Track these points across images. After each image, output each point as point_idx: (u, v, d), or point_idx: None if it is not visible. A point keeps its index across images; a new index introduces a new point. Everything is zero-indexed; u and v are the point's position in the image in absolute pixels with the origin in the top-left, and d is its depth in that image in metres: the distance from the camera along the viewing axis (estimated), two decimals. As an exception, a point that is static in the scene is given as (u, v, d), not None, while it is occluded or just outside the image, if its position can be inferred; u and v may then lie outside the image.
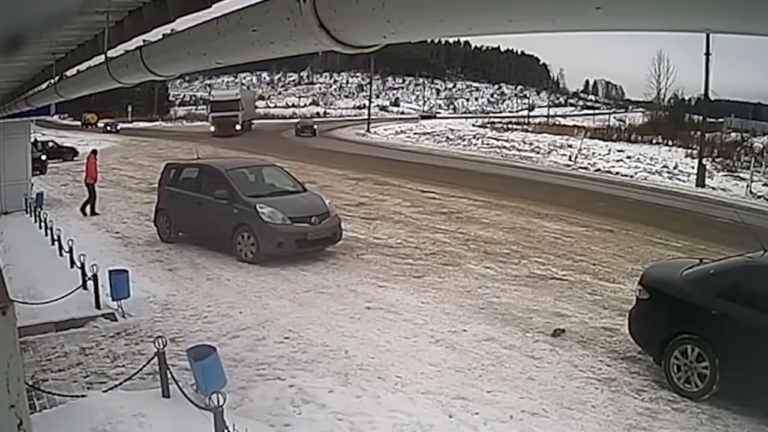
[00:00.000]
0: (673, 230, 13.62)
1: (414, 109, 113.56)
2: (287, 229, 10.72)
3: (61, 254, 10.46)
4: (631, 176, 26.86)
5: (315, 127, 50.52)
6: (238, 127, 46.53)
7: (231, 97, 50.41)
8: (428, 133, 45.85)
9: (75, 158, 29.95)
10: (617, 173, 27.51)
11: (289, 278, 9.82)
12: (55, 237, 11.31)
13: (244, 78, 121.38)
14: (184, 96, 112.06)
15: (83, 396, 5.43)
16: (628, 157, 30.89)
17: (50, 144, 31.60)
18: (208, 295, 9.10)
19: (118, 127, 55.19)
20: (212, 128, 46.41)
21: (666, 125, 40.43)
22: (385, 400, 5.71)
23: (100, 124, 59.20)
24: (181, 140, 37.73)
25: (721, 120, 42.78)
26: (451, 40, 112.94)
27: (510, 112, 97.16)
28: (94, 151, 17.53)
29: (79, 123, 63.74)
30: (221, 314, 8.22)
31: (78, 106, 48.20)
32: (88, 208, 15.77)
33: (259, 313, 8.21)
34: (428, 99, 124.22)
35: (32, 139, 32.76)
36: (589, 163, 29.97)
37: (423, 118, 72.53)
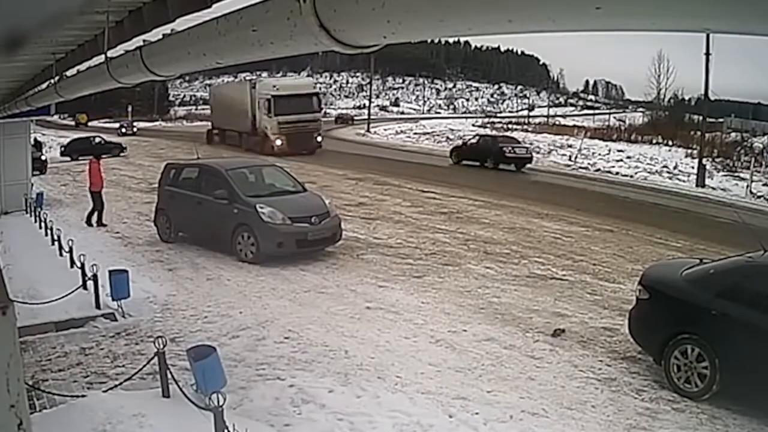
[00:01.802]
0: (673, 230, 13.62)
1: (414, 109, 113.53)
2: (287, 229, 10.72)
3: (61, 254, 10.46)
4: (631, 176, 26.86)
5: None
6: (319, 138, 30.56)
7: (304, 88, 31.93)
8: (428, 133, 45.82)
9: (122, 154, 31.79)
10: (617, 173, 27.52)
11: (289, 278, 9.82)
12: (55, 237, 11.31)
13: (244, 78, 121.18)
14: (184, 96, 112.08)
15: (83, 396, 5.43)
16: (628, 157, 30.89)
17: (98, 140, 33.34)
18: (208, 295, 9.10)
19: (135, 129, 49.56)
20: (277, 142, 28.56)
21: (666, 125, 40.42)
22: (385, 400, 5.71)
23: (114, 125, 56.22)
24: (181, 140, 37.71)
25: (721, 120, 42.76)
26: (451, 40, 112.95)
27: (510, 112, 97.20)
28: (98, 156, 15.56)
29: (85, 124, 63.64)
30: (221, 314, 8.22)
31: (78, 106, 48.24)
32: (94, 218, 14.36)
33: (259, 313, 8.21)
34: (428, 99, 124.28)
35: (91, 137, 34.22)
36: (589, 163, 29.96)
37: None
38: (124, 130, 48.17)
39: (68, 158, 30.83)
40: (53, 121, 47.93)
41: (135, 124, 53.34)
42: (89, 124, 62.73)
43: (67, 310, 7.87)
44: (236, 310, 8.34)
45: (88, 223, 14.33)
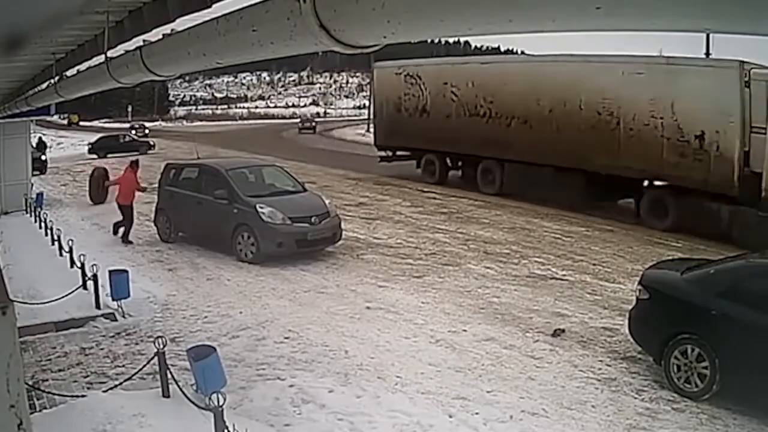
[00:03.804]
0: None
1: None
2: (287, 229, 10.72)
3: (61, 254, 10.46)
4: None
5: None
6: None
7: None
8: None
9: (149, 152, 32.37)
10: (617, 173, 27.43)
11: (289, 278, 9.82)
12: (55, 237, 11.31)
13: (244, 78, 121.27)
14: (184, 96, 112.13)
15: (83, 396, 5.44)
16: (629, 157, 30.77)
17: (126, 138, 35.00)
18: (208, 295, 9.10)
19: (147, 131, 45.75)
20: None
21: (666, 125, 40.24)
22: (385, 400, 5.71)
23: (114, 125, 55.92)
24: (181, 140, 37.71)
25: (721, 120, 42.63)
26: (451, 40, 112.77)
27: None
28: (135, 162, 13.17)
29: (77, 123, 63.85)
30: (221, 314, 8.22)
31: (78, 106, 48.30)
32: (121, 229, 12.65)
33: (259, 313, 8.21)
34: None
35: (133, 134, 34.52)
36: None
37: None
38: (134, 132, 44.06)
39: (95, 156, 31.45)
40: (53, 121, 47.95)
41: (145, 124, 51.51)
42: (81, 123, 62.92)
43: (67, 310, 7.89)
44: (236, 310, 8.35)
45: (115, 231, 12.80)
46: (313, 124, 54.76)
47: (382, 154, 20.89)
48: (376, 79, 21.85)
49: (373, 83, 22.13)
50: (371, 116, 23.30)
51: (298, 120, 60.60)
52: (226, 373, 5.57)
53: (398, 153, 20.55)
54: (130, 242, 12.41)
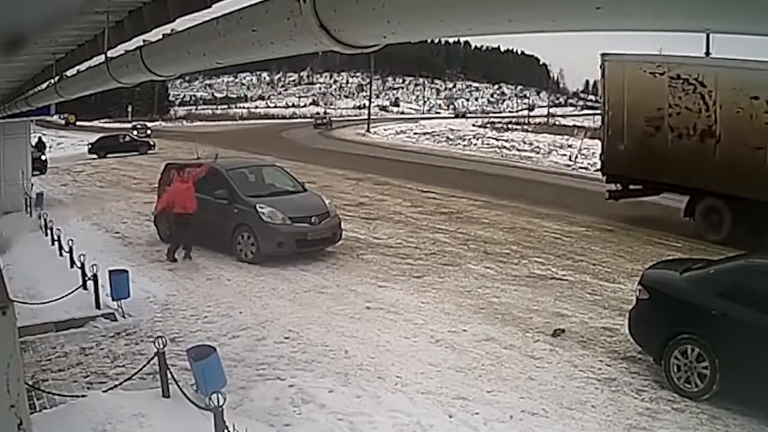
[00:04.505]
0: (672, 230, 13.58)
1: (414, 109, 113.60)
2: (287, 229, 10.72)
3: (61, 254, 10.46)
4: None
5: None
6: None
7: None
8: (428, 133, 45.82)
9: (149, 152, 32.69)
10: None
11: (289, 278, 9.82)
12: (55, 237, 11.31)
13: (244, 78, 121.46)
14: (184, 96, 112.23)
15: (83, 396, 5.44)
16: (629, 157, 30.68)
17: (126, 138, 35.40)
18: (208, 295, 9.10)
19: (149, 131, 44.10)
20: None
21: (667, 125, 40.15)
22: (385, 400, 5.71)
23: (114, 125, 56.25)
24: (181, 140, 37.68)
25: (721, 120, 42.52)
26: (451, 40, 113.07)
27: (510, 112, 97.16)
28: (181, 170, 11.41)
29: (79, 123, 63.93)
30: (221, 314, 8.22)
31: (78, 106, 48.30)
32: (179, 253, 10.87)
33: (259, 313, 8.22)
34: (428, 99, 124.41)
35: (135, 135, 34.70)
36: (589, 163, 29.90)
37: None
38: (135, 132, 42.25)
39: (95, 156, 31.55)
40: (53, 121, 48.00)
41: (147, 124, 50.86)
42: (78, 123, 63.06)
43: (67, 310, 7.89)
44: (236, 310, 8.35)
45: (185, 249, 10.96)
46: (326, 120, 63.76)
47: (612, 187, 14.59)
48: (609, 76, 14.43)
49: (605, 83, 14.71)
50: (605, 130, 15.00)
51: (312, 118, 70.13)
52: (226, 373, 5.57)
53: (631, 186, 14.46)
54: (190, 257, 10.83)
